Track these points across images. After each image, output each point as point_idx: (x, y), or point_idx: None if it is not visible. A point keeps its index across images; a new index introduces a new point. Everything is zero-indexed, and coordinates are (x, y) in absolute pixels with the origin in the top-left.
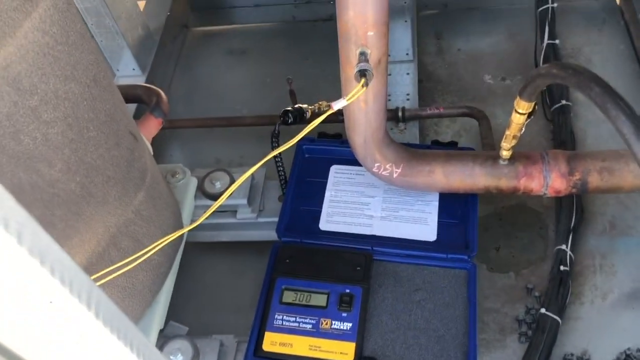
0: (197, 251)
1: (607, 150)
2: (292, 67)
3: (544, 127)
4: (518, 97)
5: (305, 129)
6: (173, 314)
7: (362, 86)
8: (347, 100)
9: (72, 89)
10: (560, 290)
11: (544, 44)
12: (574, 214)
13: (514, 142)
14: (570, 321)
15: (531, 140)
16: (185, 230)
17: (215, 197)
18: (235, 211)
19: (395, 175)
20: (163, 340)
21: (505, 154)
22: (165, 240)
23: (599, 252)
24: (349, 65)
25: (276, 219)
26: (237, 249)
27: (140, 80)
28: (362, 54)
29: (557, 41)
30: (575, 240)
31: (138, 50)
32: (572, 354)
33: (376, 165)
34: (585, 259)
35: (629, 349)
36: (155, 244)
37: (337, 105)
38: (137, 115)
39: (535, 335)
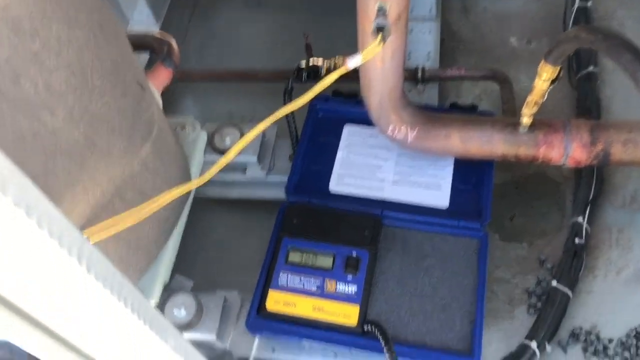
0: (205, 207)
1: (634, 121)
2: (310, 21)
3: (569, 94)
4: (543, 61)
5: (316, 86)
6: (180, 268)
7: (379, 43)
8: (362, 57)
9: (75, 35)
10: (574, 263)
11: (575, 7)
12: (594, 186)
13: (535, 109)
14: (581, 294)
15: (554, 108)
16: (192, 185)
17: (224, 153)
18: (245, 168)
19: (410, 138)
20: (167, 293)
21: (526, 120)
22: (172, 194)
23: (616, 226)
24: (367, 20)
25: (286, 178)
26: (246, 206)
27: (154, 29)
28: (381, 9)
29: (589, 3)
30: (592, 212)
31: None
32: (580, 328)
33: (391, 127)
34: (601, 233)
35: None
36: (162, 197)
37: (351, 63)
38: (149, 66)
39: (544, 308)
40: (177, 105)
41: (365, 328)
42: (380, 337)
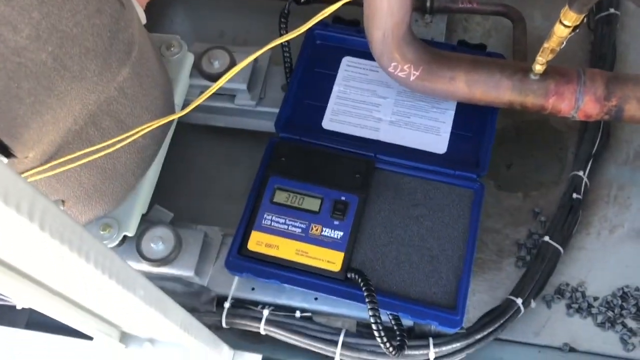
0: (189, 134)
1: None
2: None
3: (584, 35)
4: (567, 7)
5: (321, 13)
6: (160, 198)
7: None
8: None
9: None
10: (569, 219)
11: None
12: (598, 139)
13: (551, 56)
14: (572, 250)
15: (567, 51)
16: (174, 116)
17: (212, 78)
18: (234, 96)
19: (412, 77)
20: (145, 225)
21: (538, 68)
22: (151, 125)
23: (617, 182)
24: None
25: (277, 110)
26: (234, 136)
27: None
28: None
29: None
30: (594, 167)
31: None
32: (567, 284)
33: (393, 64)
34: (600, 188)
35: (627, 286)
36: (141, 127)
37: None
38: None
39: (533, 264)
40: (164, 20)
41: (349, 275)
42: (362, 287)
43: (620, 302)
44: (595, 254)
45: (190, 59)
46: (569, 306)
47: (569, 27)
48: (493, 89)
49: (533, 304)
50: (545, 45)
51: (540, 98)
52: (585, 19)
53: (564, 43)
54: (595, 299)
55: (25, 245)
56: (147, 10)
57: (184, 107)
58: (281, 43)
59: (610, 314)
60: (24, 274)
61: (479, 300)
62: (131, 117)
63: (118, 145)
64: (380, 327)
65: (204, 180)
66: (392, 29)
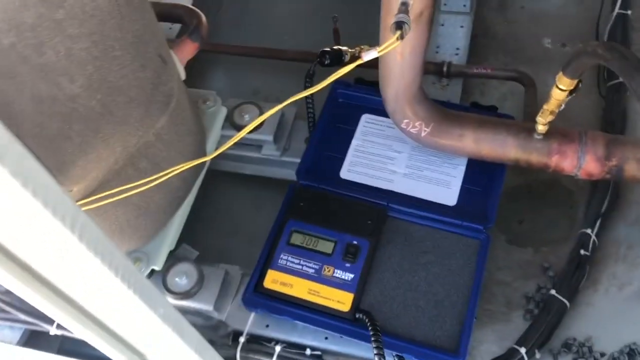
0: (219, 180)
1: None
2: (342, 4)
3: (597, 102)
4: (561, 72)
5: (335, 73)
6: (188, 237)
7: (397, 39)
8: (379, 52)
9: (99, 6)
10: (576, 274)
11: (614, 13)
12: (607, 199)
13: (550, 117)
14: (581, 306)
15: (579, 115)
16: (205, 159)
17: (242, 129)
18: (261, 146)
19: (423, 134)
20: (172, 261)
21: (541, 128)
22: (184, 166)
23: (626, 242)
24: (389, 14)
25: (300, 160)
26: (260, 184)
27: (185, 1)
28: (404, 4)
29: (629, 12)
30: (603, 225)
31: None
32: (574, 339)
33: (405, 121)
34: (610, 247)
35: (634, 343)
36: (174, 168)
37: (367, 56)
38: (180, 35)
39: (540, 315)
40: (206, 77)
41: (357, 316)
42: (369, 327)
43: (627, 358)
44: (603, 311)
45: (223, 112)
46: None
47: (564, 90)
48: (499, 147)
49: (538, 355)
50: (545, 107)
51: (544, 156)
52: (580, 85)
53: (563, 106)
54: (602, 354)
55: (62, 258)
56: (190, 67)
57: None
58: (306, 100)
59: None
60: (58, 290)
61: (487, 350)
62: (166, 160)
63: (153, 184)
64: None
65: (229, 222)
66: (404, 89)
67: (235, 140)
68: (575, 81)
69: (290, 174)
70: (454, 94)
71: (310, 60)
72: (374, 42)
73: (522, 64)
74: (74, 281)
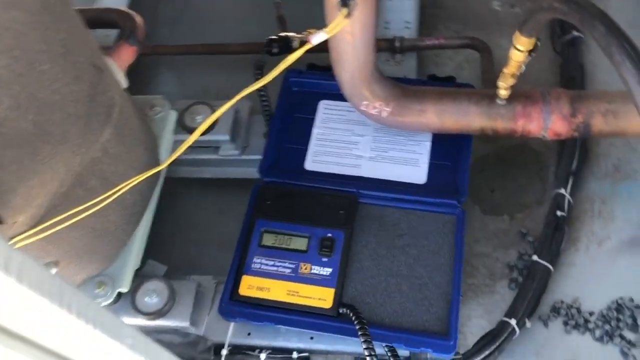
0: (178, 187)
1: (615, 91)
2: None
3: (553, 60)
4: (517, 32)
5: (284, 61)
6: (153, 252)
7: (345, 17)
8: (328, 33)
9: (15, 17)
10: (555, 237)
11: None
12: (577, 156)
13: (512, 81)
14: (563, 267)
15: (538, 75)
16: (158, 168)
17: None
18: (218, 147)
19: (384, 114)
20: (139, 280)
21: (502, 93)
22: (136, 180)
23: (599, 197)
24: None
25: (261, 156)
26: (221, 186)
27: (122, 3)
28: None
29: None
30: (575, 183)
31: None
32: (562, 302)
33: (364, 103)
34: (584, 204)
35: (621, 298)
36: (125, 183)
37: (316, 39)
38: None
39: (524, 283)
40: (151, 81)
41: (341, 311)
42: (354, 321)
43: (616, 314)
44: (586, 269)
45: (173, 116)
46: (565, 323)
47: (523, 51)
48: (463, 117)
49: (528, 324)
50: (505, 70)
51: (509, 121)
52: (538, 44)
53: (523, 67)
54: (591, 313)
55: (6, 304)
56: (132, 73)
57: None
58: (258, 93)
59: (607, 327)
60: (17, 336)
61: (476, 325)
62: (116, 175)
63: (104, 203)
64: None
65: (195, 231)
66: (359, 69)
67: (189, 144)
68: (534, 40)
69: (252, 173)
70: (410, 69)
71: (256, 51)
72: (322, 25)
73: (473, 30)
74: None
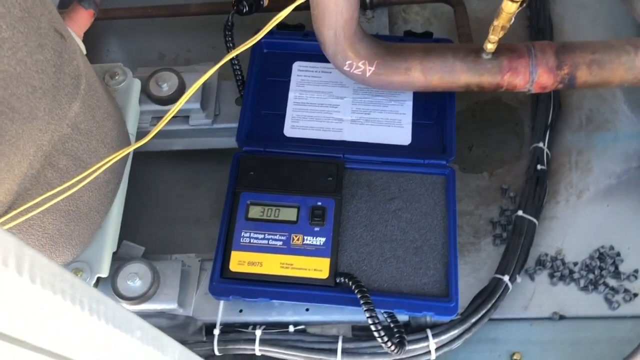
0: (147, 161)
1: (598, 41)
2: None
3: (521, 12)
4: None
5: (276, 17)
6: (126, 232)
7: None
8: None
9: None
10: (537, 190)
11: None
12: (552, 109)
13: (502, 33)
14: (545, 220)
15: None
16: (135, 146)
17: (162, 101)
18: (188, 117)
19: (368, 73)
20: (118, 263)
21: (491, 47)
22: (111, 159)
23: (575, 148)
24: None
25: (234, 125)
26: (192, 157)
27: None
28: None
29: None
30: (551, 137)
31: None
32: (546, 254)
33: (348, 62)
34: (561, 156)
35: (602, 246)
36: (101, 163)
37: None
38: (65, 6)
39: (512, 238)
40: (100, 49)
41: (338, 280)
42: (355, 290)
43: (598, 263)
44: (567, 221)
45: (137, 85)
46: (551, 275)
47: (516, 2)
48: (448, 74)
49: (519, 279)
50: (495, 23)
51: (496, 76)
52: None
53: (513, 19)
54: (575, 264)
55: (19, 306)
56: (83, 41)
57: (138, 134)
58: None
59: (591, 276)
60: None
61: (465, 283)
62: (87, 152)
63: (79, 185)
64: (380, 327)
65: (168, 207)
66: (342, 27)
67: (170, 116)
68: None
69: (225, 142)
70: (381, 26)
71: (217, 12)
72: None
73: None
74: (38, 330)
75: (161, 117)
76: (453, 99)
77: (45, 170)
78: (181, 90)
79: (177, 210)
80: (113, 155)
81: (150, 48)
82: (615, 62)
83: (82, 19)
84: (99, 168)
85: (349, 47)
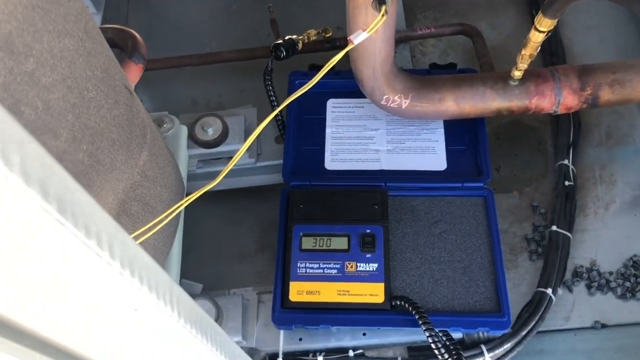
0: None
1: (617, 62)
2: None
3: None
4: (541, 15)
5: (330, 61)
6: (181, 272)
7: (382, 15)
8: (368, 32)
9: (66, 45)
10: (567, 205)
11: None
12: (572, 127)
13: (529, 61)
14: (576, 234)
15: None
16: (208, 187)
17: (208, 145)
18: (231, 157)
19: (404, 106)
20: None
21: (518, 74)
22: (187, 201)
23: (598, 164)
24: None
25: (275, 162)
26: (232, 196)
27: (95, 19)
28: None
29: None
30: (574, 154)
31: None
32: (582, 266)
33: (385, 97)
34: (585, 172)
35: (635, 255)
36: (173, 208)
37: (357, 39)
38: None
39: (549, 252)
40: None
41: (394, 303)
42: (412, 311)
43: (633, 271)
44: (598, 232)
45: (184, 131)
46: (588, 286)
47: (543, 32)
48: (480, 101)
49: (560, 291)
50: (523, 52)
51: (524, 100)
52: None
53: (539, 48)
54: (610, 273)
55: (165, 341)
56: None
57: (187, 177)
58: (269, 98)
59: (627, 284)
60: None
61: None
62: (154, 198)
63: (156, 229)
64: (440, 345)
65: (214, 245)
66: (380, 65)
67: (241, 154)
68: (555, 21)
69: (266, 180)
70: (404, 60)
71: (246, 58)
72: (307, 27)
73: (450, 16)
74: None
75: (207, 160)
76: (483, 123)
77: (121, 217)
78: (225, 133)
79: (223, 247)
80: (191, 195)
81: (179, 95)
82: (635, 80)
83: (133, 74)
84: (171, 213)
85: (385, 83)
